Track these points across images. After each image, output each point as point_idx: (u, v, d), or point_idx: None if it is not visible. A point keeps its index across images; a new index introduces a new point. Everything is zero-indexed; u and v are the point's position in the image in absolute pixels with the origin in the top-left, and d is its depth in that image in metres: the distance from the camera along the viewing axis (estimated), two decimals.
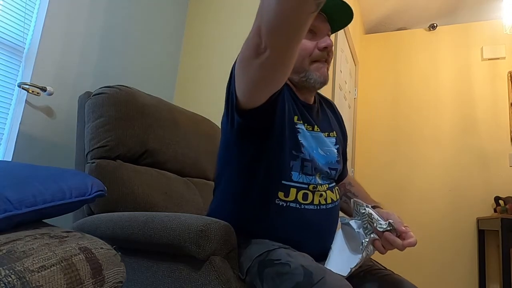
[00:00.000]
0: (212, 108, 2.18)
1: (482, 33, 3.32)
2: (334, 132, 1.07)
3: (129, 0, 2.02)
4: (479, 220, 2.98)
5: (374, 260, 1.00)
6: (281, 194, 0.90)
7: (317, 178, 0.95)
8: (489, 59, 3.26)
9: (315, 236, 0.93)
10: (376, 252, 0.84)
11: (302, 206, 0.91)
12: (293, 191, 0.90)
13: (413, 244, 0.80)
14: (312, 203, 0.92)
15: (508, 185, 2.96)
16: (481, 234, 2.95)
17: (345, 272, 0.82)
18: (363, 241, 0.83)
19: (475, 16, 3.27)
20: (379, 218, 0.83)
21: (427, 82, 3.43)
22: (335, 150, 1.03)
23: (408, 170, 3.31)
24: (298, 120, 0.96)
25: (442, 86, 3.37)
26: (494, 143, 3.10)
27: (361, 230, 0.85)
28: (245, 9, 2.28)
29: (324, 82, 0.97)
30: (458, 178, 3.14)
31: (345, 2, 0.95)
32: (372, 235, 0.83)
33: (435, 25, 3.45)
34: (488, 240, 2.96)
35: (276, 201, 0.90)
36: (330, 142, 1.03)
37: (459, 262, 3.00)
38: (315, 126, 0.99)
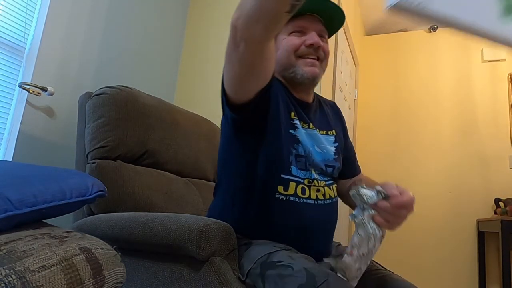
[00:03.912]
0: (212, 109, 2.18)
1: None
2: (334, 130, 1.07)
3: (130, 0, 2.02)
4: (479, 222, 2.98)
5: (374, 261, 0.99)
6: (280, 188, 0.91)
7: (313, 172, 0.95)
8: (489, 61, 3.26)
9: (314, 231, 0.93)
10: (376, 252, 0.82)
11: (301, 200, 0.92)
12: (292, 185, 0.91)
13: (407, 201, 0.71)
14: (309, 197, 0.93)
15: (508, 186, 2.96)
16: (481, 236, 2.95)
17: None
18: (355, 219, 0.76)
19: None
20: (368, 191, 0.75)
21: (427, 84, 3.44)
22: (333, 148, 1.03)
23: (408, 171, 3.31)
24: (294, 116, 0.97)
25: (442, 88, 3.38)
26: (494, 145, 3.10)
27: (359, 215, 0.77)
28: None
29: (311, 78, 0.98)
30: (458, 180, 3.14)
31: (336, 5, 0.99)
32: (370, 211, 0.75)
33: (435, 26, 3.45)
34: (488, 242, 2.95)
35: (276, 195, 0.90)
36: (327, 140, 1.03)
37: (459, 263, 3.00)
38: (311, 124, 1.00)
